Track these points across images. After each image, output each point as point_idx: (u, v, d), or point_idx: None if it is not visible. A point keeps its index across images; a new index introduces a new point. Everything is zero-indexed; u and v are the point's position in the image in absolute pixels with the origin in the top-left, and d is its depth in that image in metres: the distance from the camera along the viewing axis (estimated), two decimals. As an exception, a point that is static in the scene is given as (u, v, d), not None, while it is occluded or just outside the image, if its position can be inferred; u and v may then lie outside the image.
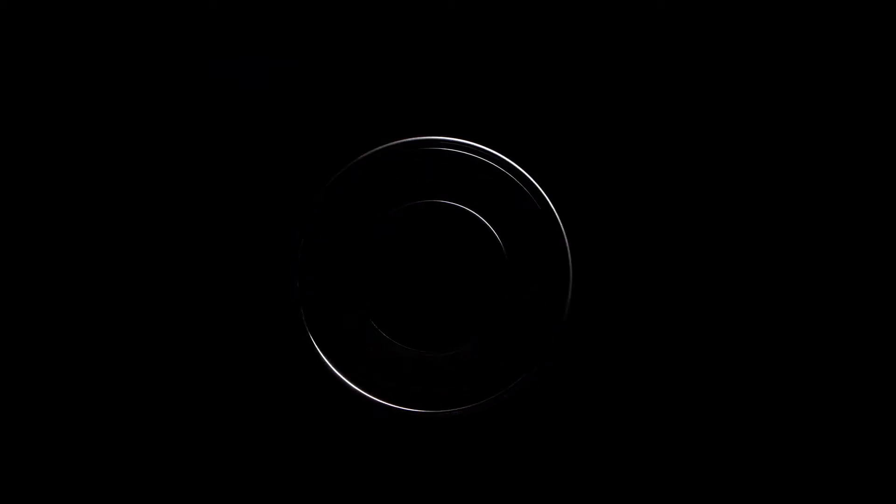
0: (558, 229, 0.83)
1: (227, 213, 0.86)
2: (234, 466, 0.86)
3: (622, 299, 0.87)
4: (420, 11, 0.87)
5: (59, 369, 0.86)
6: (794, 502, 0.86)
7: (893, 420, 0.87)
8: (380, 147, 0.84)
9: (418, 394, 0.82)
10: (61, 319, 0.86)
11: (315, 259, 0.83)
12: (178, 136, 0.87)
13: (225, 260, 0.86)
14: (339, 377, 0.83)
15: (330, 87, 0.87)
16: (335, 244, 0.83)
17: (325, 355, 0.83)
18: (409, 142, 0.84)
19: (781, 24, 0.88)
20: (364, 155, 0.84)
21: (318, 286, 0.83)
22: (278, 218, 0.86)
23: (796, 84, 0.87)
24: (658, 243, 0.87)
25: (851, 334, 0.87)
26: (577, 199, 0.87)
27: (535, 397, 0.85)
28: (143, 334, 0.86)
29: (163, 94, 0.87)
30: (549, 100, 0.87)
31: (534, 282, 0.83)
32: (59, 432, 0.86)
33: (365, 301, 0.83)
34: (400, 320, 0.82)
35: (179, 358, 0.86)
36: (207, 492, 0.86)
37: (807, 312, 0.87)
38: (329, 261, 0.83)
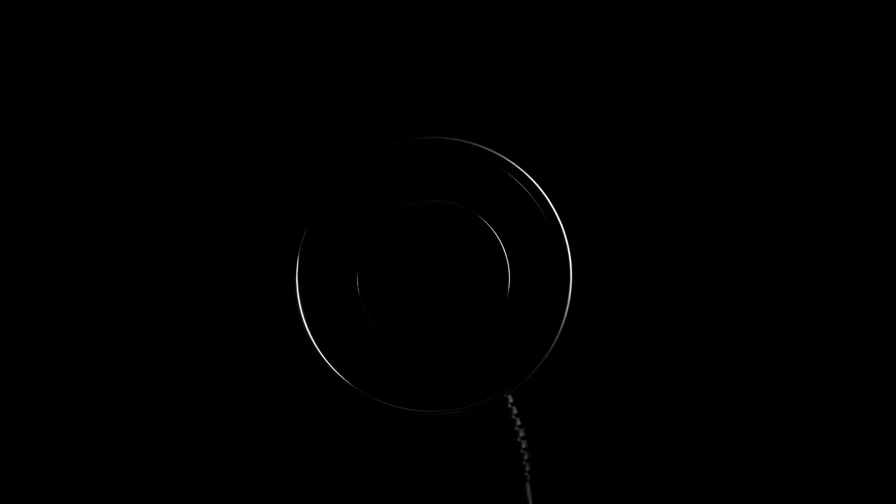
0: (558, 229, 0.83)
1: (228, 213, 0.86)
2: (234, 466, 0.86)
3: (622, 300, 0.86)
4: (420, 11, 0.87)
5: (57, 366, 0.86)
6: (791, 499, 0.86)
7: (893, 420, 0.86)
8: (380, 147, 0.84)
9: (418, 394, 0.82)
10: (58, 317, 0.86)
11: (315, 259, 0.83)
12: (179, 136, 0.87)
13: (225, 260, 0.86)
14: (339, 377, 0.82)
15: (330, 87, 0.87)
16: (335, 244, 0.83)
17: (325, 355, 0.83)
18: (409, 142, 0.84)
19: (781, 24, 0.88)
20: (364, 155, 0.84)
21: (318, 286, 0.83)
22: (278, 218, 0.86)
23: (796, 84, 0.87)
24: (659, 243, 0.87)
25: (851, 334, 0.87)
26: (578, 198, 0.87)
27: (535, 397, 0.85)
28: (142, 334, 0.86)
29: (163, 94, 0.87)
30: (550, 100, 0.87)
31: (534, 282, 0.83)
32: (56, 432, 0.86)
33: (365, 301, 0.83)
34: (400, 320, 0.82)
35: (179, 358, 0.86)
36: (207, 490, 0.86)
37: (805, 313, 0.87)
38: (329, 261, 0.83)
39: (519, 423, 0.84)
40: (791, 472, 0.86)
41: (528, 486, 0.84)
